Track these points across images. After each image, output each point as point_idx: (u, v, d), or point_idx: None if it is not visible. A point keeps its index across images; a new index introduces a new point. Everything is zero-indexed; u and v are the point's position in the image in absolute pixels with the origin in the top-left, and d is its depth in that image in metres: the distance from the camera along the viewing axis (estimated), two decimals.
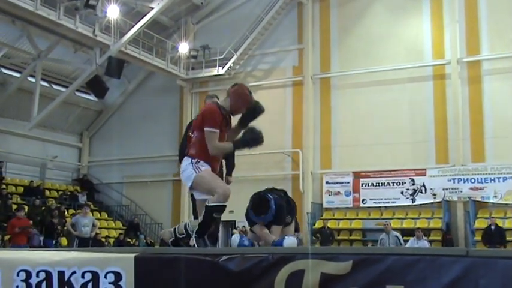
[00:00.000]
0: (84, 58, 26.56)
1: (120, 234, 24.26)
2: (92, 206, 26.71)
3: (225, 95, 5.97)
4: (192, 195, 6.56)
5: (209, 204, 5.65)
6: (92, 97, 28.11)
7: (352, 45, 25.20)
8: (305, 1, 25.77)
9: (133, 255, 4.83)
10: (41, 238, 19.65)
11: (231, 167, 8.10)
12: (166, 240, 6.25)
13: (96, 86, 23.49)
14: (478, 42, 23.06)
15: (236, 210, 27.82)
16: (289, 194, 7.96)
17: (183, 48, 26.83)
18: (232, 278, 4.45)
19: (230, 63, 26.60)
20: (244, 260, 4.47)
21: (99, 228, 23.88)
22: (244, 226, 25.52)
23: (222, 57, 26.79)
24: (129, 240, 23.97)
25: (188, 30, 28.28)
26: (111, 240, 23.41)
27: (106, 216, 27.32)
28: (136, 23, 23.61)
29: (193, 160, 5.84)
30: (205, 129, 5.75)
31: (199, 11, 28.48)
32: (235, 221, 24.38)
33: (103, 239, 22.83)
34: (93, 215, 25.70)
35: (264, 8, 26.22)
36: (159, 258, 4.84)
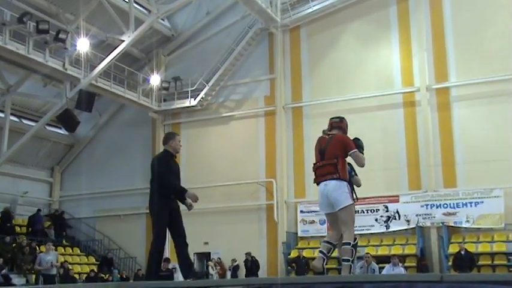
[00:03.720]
0: (54, 92, 26.31)
1: (92, 270, 23.81)
2: (63, 241, 26.30)
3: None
4: None
5: (353, 243, 7.12)
6: (62, 131, 27.87)
7: (323, 75, 25.45)
8: (276, 31, 26.00)
9: None
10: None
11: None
12: (319, 269, 7.12)
13: (67, 119, 23.20)
14: (446, 69, 23.46)
15: (211, 241, 27.33)
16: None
17: (155, 80, 26.79)
18: None
19: (202, 94, 26.64)
20: None
21: (72, 264, 23.51)
22: (219, 258, 25.31)
23: (193, 88, 26.84)
24: (102, 275, 23.55)
25: (159, 62, 28.28)
26: (84, 276, 22.98)
27: (78, 251, 26.83)
28: (107, 55, 23.54)
29: (345, 183, 7.26)
30: (353, 151, 7.36)
31: (170, 43, 28.57)
32: (210, 252, 24.10)
33: (76, 275, 22.42)
34: (65, 250, 25.32)
35: (234, 39, 26.43)
36: None
